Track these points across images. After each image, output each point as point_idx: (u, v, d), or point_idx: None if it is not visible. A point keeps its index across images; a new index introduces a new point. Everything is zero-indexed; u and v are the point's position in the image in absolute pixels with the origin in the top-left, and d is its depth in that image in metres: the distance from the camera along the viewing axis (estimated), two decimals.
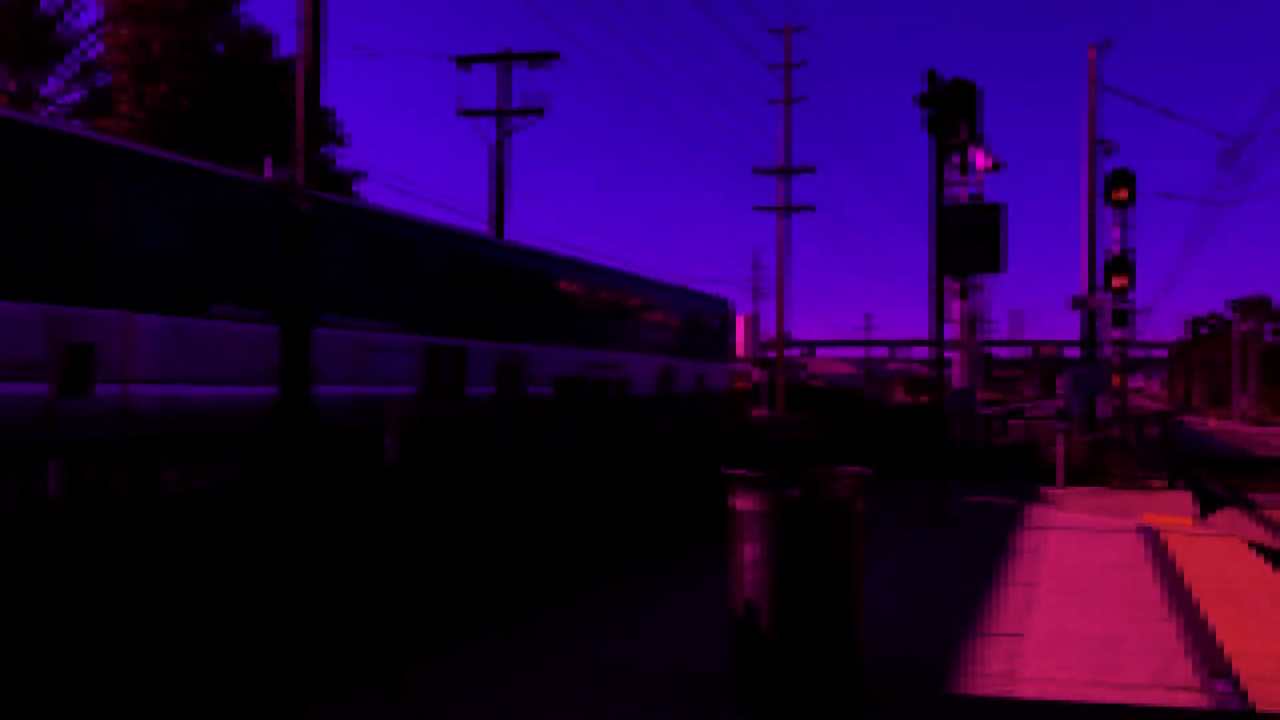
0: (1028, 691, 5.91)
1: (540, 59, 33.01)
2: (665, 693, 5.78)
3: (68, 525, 5.35)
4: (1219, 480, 24.12)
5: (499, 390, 20.77)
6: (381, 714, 5.40)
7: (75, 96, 32.54)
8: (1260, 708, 5.68)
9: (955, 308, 26.16)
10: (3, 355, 11.54)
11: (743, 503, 5.51)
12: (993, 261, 14.11)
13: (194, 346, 14.10)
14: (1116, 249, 29.60)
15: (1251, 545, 11.53)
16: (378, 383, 17.19)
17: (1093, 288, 28.94)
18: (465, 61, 33.56)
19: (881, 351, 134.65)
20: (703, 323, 32.80)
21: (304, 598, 6.04)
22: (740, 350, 47.90)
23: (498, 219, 32.73)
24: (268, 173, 19.25)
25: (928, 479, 13.40)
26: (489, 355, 20.57)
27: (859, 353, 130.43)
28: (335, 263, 16.81)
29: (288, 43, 53.89)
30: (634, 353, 27.04)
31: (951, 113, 13.45)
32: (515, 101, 33.15)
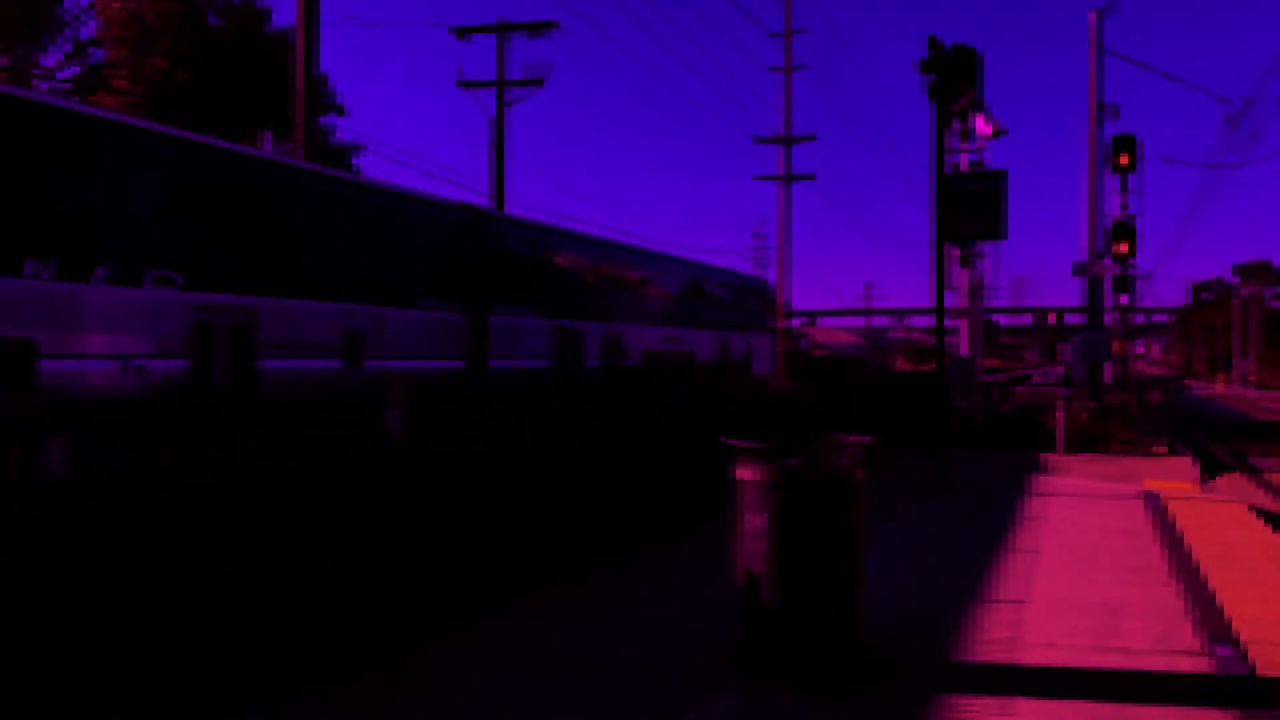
0: (1030, 658, 5.93)
1: (539, 29, 32.74)
2: (670, 665, 5.80)
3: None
4: (1221, 445, 24.17)
5: (603, 362, 25.19)
6: (401, 684, 5.44)
7: (71, 72, 32.38)
8: (1262, 671, 5.70)
9: (958, 275, 26.07)
10: (317, 339, 16.54)
11: (744, 473, 5.51)
12: (994, 228, 14.03)
13: (416, 331, 18.70)
14: (1119, 214, 29.47)
15: (1254, 509, 11.55)
16: (525, 357, 21.87)
17: (1095, 254, 28.86)
18: (463, 32, 33.30)
19: (884, 320, 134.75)
20: (749, 300, 37.10)
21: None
22: None
23: (498, 191, 32.61)
24: (266, 146, 19.33)
25: (930, 447, 13.41)
26: (597, 334, 25.20)
27: (861, 321, 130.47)
28: (497, 263, 21.41)
29: (282, 14, 53.28)
30: (698, 329, 31.44)
31: (953, 79, 13.33)
32: (514, 72, 32.93)
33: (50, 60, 32.02)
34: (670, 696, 5.29)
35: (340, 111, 37.26)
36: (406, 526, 6.80)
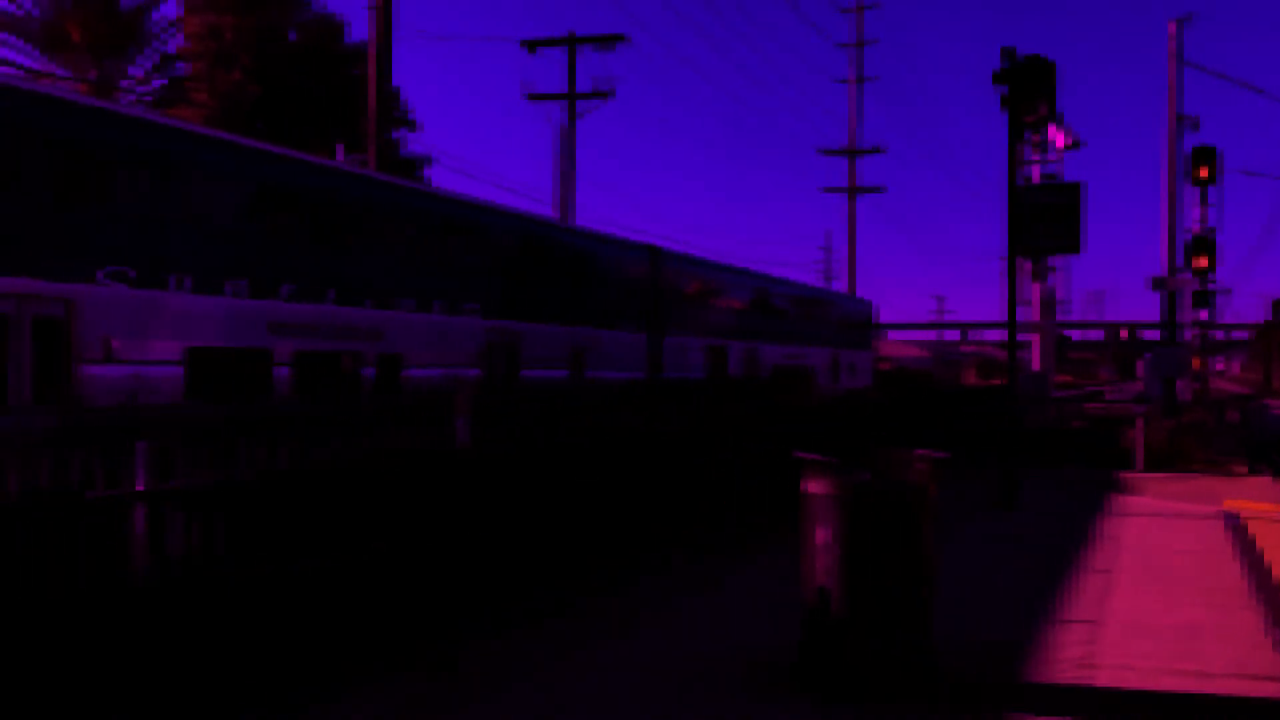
0: (1105, 680, 5.81)
1: (607, 42, 33.01)
2: (730, 678, 5.78)
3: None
4: None
5: (744, 373, 29.67)
6: (440, 690, 5.50)
7: (155, 85, 33.31)
8: None
9: (1030, 289, 25.70)
10: (555, 354, 20.93)
11: (814, 486, 5.48)
12: (1071, 242, 13.78)
13: (615, 349, 23.49)
14: (1198, 228, 28.84)
15: None
16: (687, 370, 26.37)
17: (1173, 268, 28.23)
18: (532, 45, 33.69)
19: (954, 334, 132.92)
20: (855, 320, 41.41)
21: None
22: None
23: (564, 203, 32.86)
24: (338, 159, 19.75)
25: (999, 462, 13.21)
26: (739, 351, 29.74)
27: (930, 335, 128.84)
28: (667, 292, 25.98)
29: (358, 29, 54.31)
30: (814, 346, 35.85)
31: (1028, 90, 13.15)
32: (582, 84, 33.22)
33: (137, 71, 33.00)
34: (737, 706, 5.28)
35: (412, 126, 37.85)
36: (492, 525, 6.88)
